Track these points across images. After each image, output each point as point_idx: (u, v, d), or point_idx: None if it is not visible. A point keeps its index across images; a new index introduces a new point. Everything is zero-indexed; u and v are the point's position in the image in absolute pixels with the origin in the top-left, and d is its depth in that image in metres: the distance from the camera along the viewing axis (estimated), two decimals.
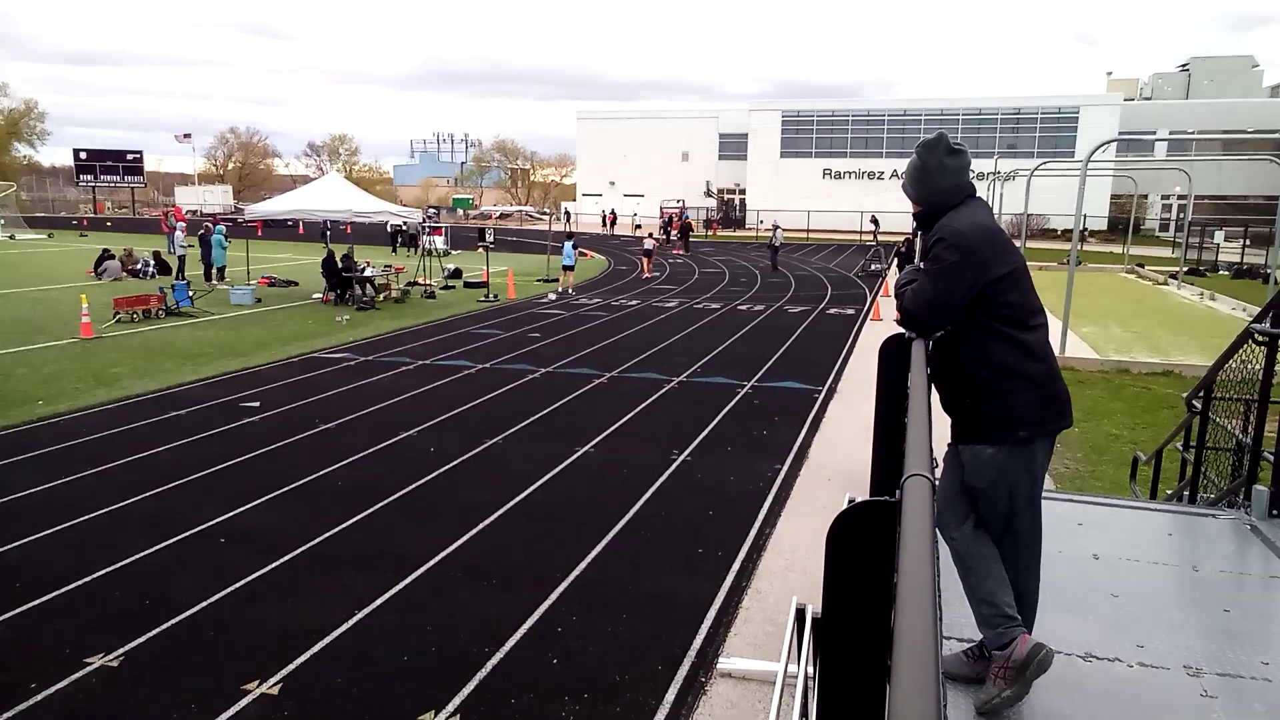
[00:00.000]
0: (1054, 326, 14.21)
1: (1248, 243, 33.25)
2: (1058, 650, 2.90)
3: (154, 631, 5.13)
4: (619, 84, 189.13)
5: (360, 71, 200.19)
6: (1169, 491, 6.21)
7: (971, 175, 3.01)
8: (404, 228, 34.68)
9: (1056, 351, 13.44)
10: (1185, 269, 28.15)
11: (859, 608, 1.77)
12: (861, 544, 1.74)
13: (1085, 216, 29.92)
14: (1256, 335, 4.47)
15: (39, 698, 4.48)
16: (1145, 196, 50.32)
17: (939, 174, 2.92)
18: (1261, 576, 3.71)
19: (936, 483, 2.30)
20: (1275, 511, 4.26)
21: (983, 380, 2.78)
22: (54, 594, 5.60)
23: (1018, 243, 21.38)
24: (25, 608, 5.42)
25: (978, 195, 2.97)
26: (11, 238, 40.99)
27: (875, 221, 46.70)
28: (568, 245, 24.15)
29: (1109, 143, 24.22)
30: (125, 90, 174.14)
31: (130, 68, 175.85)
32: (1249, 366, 4.75)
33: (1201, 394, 5.29)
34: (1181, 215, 39.18)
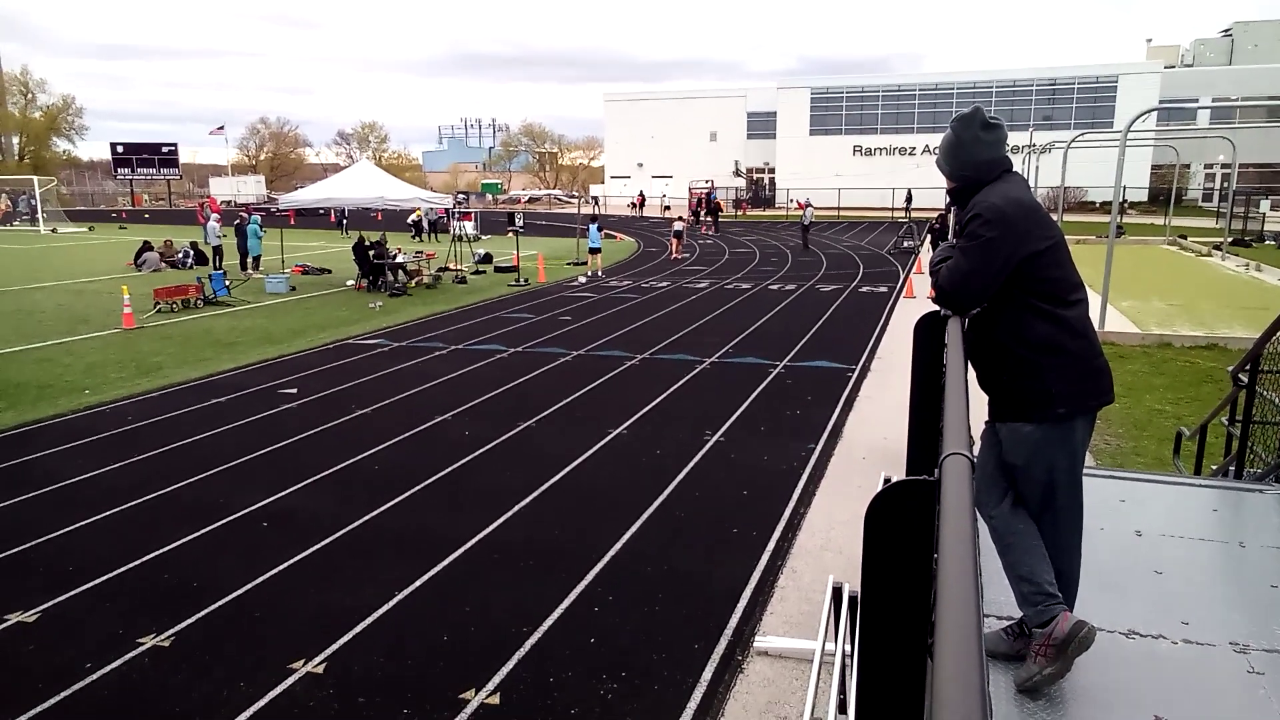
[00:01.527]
0: (1093, 301, 13.96)
1: None
2: (1100, 628, 2.87)
3: (202, 613, 5.26)
4: (644, 64, 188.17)
5: (387, 59, 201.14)
6: (1214, 467, 6.09)
7: (1007, 149, 2.96)
8: (420, 219, 35.01)
9: (1096, 327, 13.22)
10: (1230, 239, 27.44)
11: (898, 586, 1.77)
12: (901, 523, 1.73)
13: (1125, 188, 29.26)
14: None
15: (94, 677, 4.62)
16: (1187, 166, 49.04)
17: (974, 148, 2.86)
18: None
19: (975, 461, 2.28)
20: None
21: (1021, 357, 2.75)
22: (105, 577, 5.76)
23: (1055, 217, 21.03)
24: (78, 590, 5.59)
25: (1014, 170, 2.92)
26: (54, 231, 41.89)
27: (909, 197, 46.06)
28: (593, 228, 24.16)
29: (1149, 112, 23.63)
30: (157, 83, 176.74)
31: (161, 60, 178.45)
32: None
33: (1248, 367, 5.17)
34: (1225, 184, 38.18)
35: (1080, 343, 2.75)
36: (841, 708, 2.96)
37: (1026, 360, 2.74)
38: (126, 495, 7.20)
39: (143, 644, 4.93)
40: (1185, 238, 30.96)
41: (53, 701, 4.42)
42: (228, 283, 19.36)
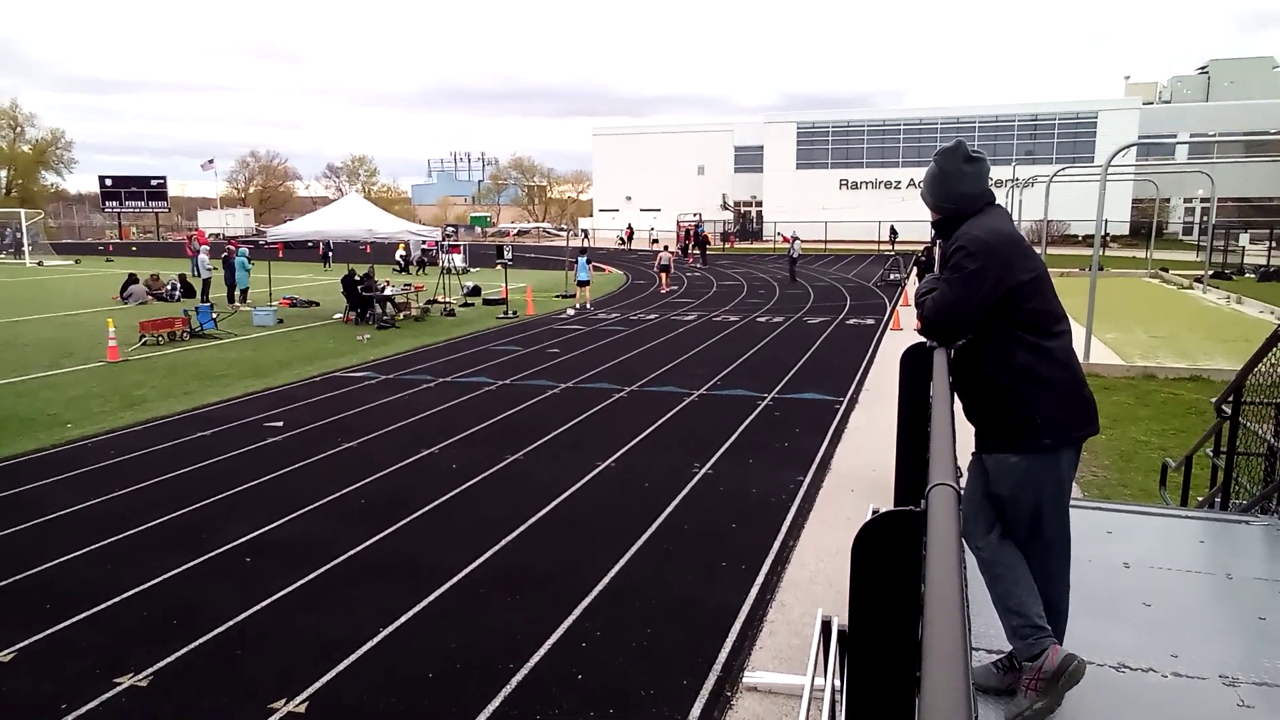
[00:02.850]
0: (1077, 333, 14.11)
1: (1274, 245, 32.83)
2: (1089, 660, 2.86)
3: (183, 650, 5.17)
4: (631, 99, 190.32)
5: (376, 92, 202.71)
6: (1200, 498, 6.11)
7: (990, 182, 3.00)
8: (406, 254, 35.16)
9: (1080, 358, 13.34)
10: (1210, 272, 27.80)
11: (886, 619, 1.76)
12: (887, 555, 1.73)
13: (1106, 222, 29.64)
14: None
15: (69, 718, 4.52)
16: (1167, 200, 49.80)
17: (958, 180, 2.90)
18: None
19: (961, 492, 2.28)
20: None
21: (1006, 387, 2.76)
22: (85, 613, 5.66)
23: (1038, 249, 21.23)
24: (58, 627, 5.48)
25: (997, 202, 2.96)
26: (40, 264, 41.73)
27: (893, 232, 46.56)
28: (581, 260, 24.25)
29: (1129, 147, 24.04)
30: (144, 116, 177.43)
31: (148, 94, 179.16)
32: (1279, 370, 4.68)
33: (1231, 398, 5.22)
34: (1205, 218, 38.76)
35: (1064, 373, 2.77)
36: None
37: (1011, 391, 2.75)
38: (108, 529, 7.10)
39: (119, 684, 4.83)
40: (1167, 270, 31.35)
41: None
42: (214, 315, 19.30)
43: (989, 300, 2.73)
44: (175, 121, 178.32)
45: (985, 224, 2.83)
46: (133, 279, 25.57)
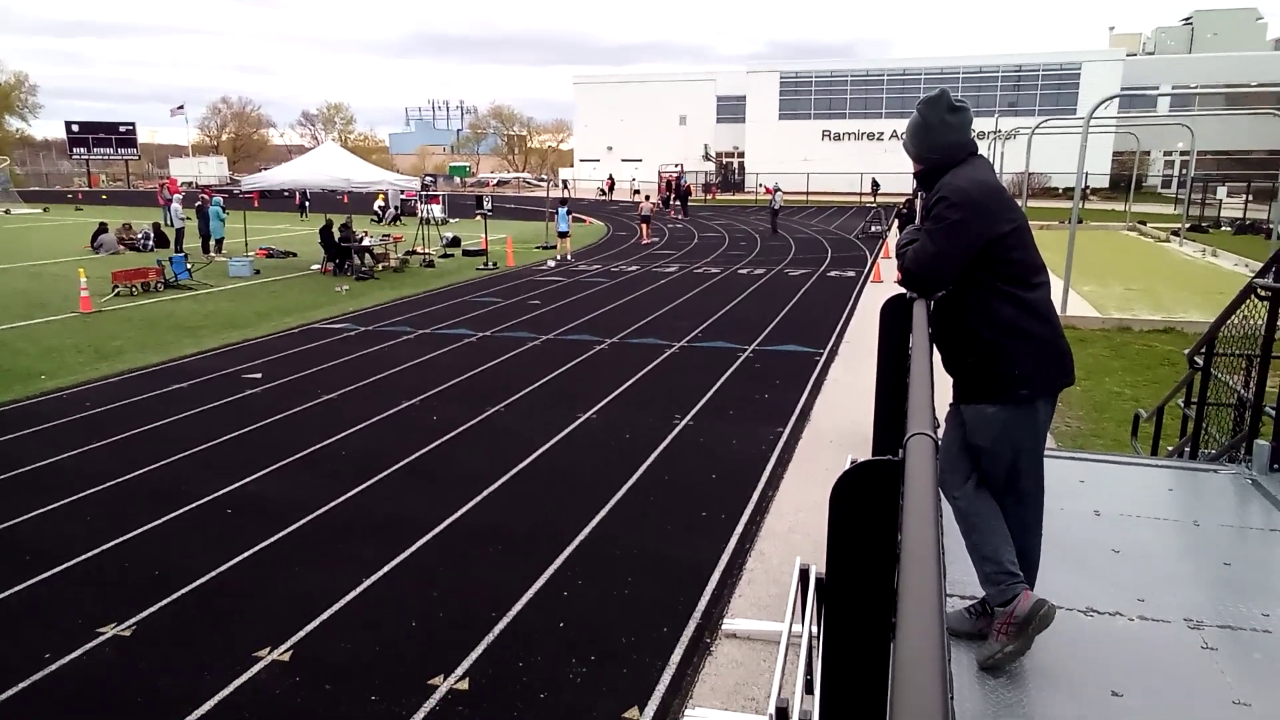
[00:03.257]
0: (1055, 285, 14.16)
1: (1250, 198, 33.06)
2: (1059, 606, 2.93)
3: (165, 601, 5.19)
4: (612, 47, 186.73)
5: (352, 38, 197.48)
6: (1170, 448, 6.23)
7: (973, 134, 2.98)
8: (385, 205, 34.69)
9: (1059, 311, 13.45)
10: (1187, 225, 27.98)
11: (863, 567, 1.78)
12: (865, 503, 1.75)
13: (1087, 174, 29.69)
14: (1259, 290, 4.46)
15: (53, 667, 4.54)
16: (1148, 153, 49.87)
17: (941, 131, 2.88)
18: (1262, 530, 3.74)
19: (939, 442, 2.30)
20: (1276, 466, 4.28)
21: (985, 339, 2.78)
22: (64, 565, 5.65)
23: (1019, 201, 21.21)
24: (37, 579, 5.48)
25: (980, 153, 2.94)
26: (6, 212, 40.77)
27: (875, 185, 46.41)
28: (562, 212, 24.03)
29: (1111, 99, 23.97)
30: (114, 60, 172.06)
31: (117, 38, 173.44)
32: (1251, 322, 4.75)
33: (1203, 350, 5.29)
34: (1184, 171, 38.89)
35: (1043, 325, 2.79)
36: (809, 688, 3.00)
37: (991, 342, 2.77)
38: (86, 482, 7.06)
39: (102, 634, 4.85)
40: (1145, 223, 31.53)
41: (11, 693, 4.34)
42: (189, 266, 19.00)
43: (970, 251, 2.73)
44: (145, 66, 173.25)
45: (967, 174, 2.81)
46: (103, 228, 25.05)
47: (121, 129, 68.19)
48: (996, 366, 2.77)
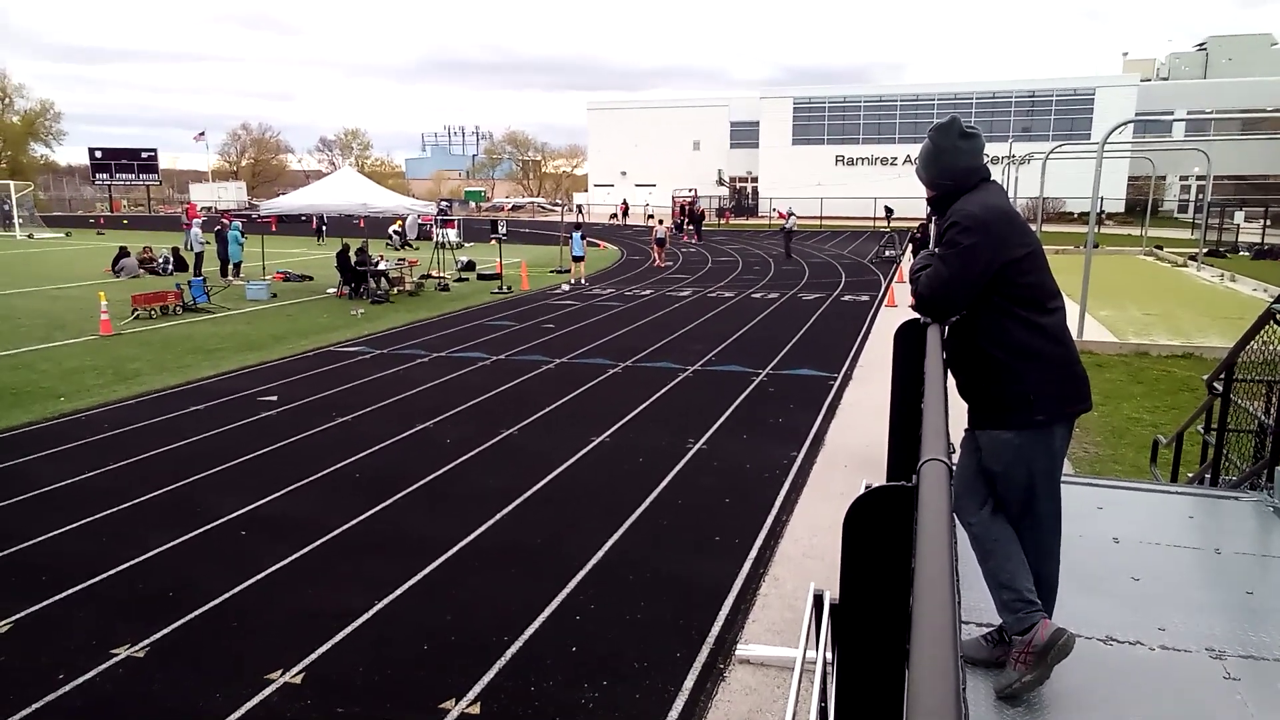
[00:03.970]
0: (1071, 310, 14.13)
1: (1268, 223, 32.81)
2: (1078, 634, 2.89)
3: (178, 622, 5.20)
4: (625, 72, 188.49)
5: (369, 64, 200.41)
6: (1190, 475, 6.16)
7: (986, 159, 2.99)
8: (403, 230, 35.08)
9: (1075, 335, 13.35)
10: (1205, 250, 27.81)
11: (877, 593, 1.77)
12: (879, 529, 1.73)
13: (1102, 199, 29.60)
14: (1278, 316, 4.42)
15: (67, 687, 4.55)
16: (1163, 178, 49.72)
17: (952, 157, 2.90)
18: None
19: (954, 467, 2.29)
20: None
21: (1000, 363, 2.77)
22: (80, 586, 5.68)
23: (1034, 226, 21.14)
24: (52, 599, 5.50)
25: (992, 178, 2.95)
26: (30, 236, 41.40)
27: (889, 211, 46.46)
28: (576, 236, 24.16)
29: (1126, 124, 23.94)
30: (134, 87, 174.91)
31: (138, 64, 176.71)
32: (1271, 347, 4.70)
33: (1223, 376, 5.24)
34: (1200, 196, 38.71)
35: (1059, 350, 2.78)
36: (823, 715, 2.96)
37: (1006, 367, 2.76)
38: (102, 502, 7.11)
39: (116, 654, 4.86)
40: (1161, 248, 31.35)
41: (25, 712, 4.34)
42: (208, 289, 19.20)
43: (984, 276, 2.73)
44: (165, 92, 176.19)
45: (980, 199, 2.82)
46: (124, 252, 25.38)
47: (144, 155, 69.27)
48: (1012, 391, 2.75)
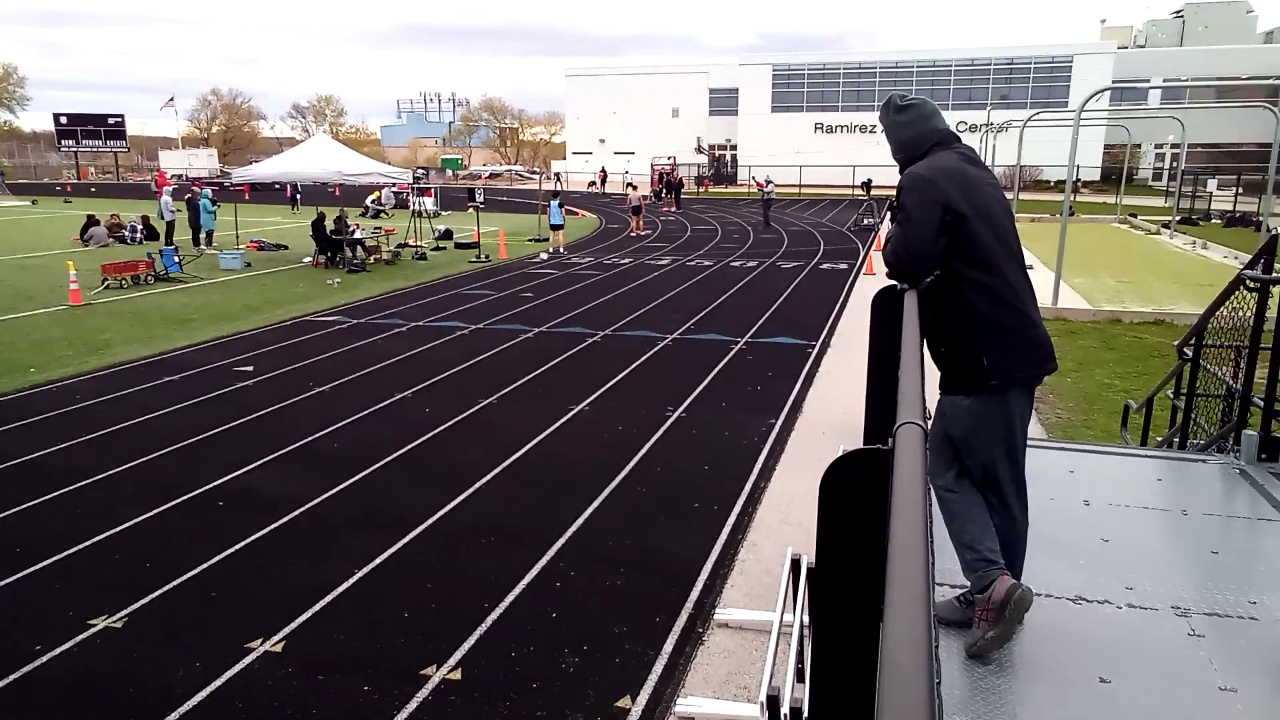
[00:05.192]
0: (1047, 277, 14.29)
1: (1240, 191, 33.14)
2: (1048, 594, 2.95)
3: (156, 593, 5.18)
4: (600, 39, 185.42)
5: (338, 29, 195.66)
6: (1159, 439, 6.27)
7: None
8: (380, 200, 34.74)
9: (1049, 302, 13.52)
10: (1178, 218, 28.09)
11: (852, 555, 1.79)
12: (854, 492, 1.75)
13: (1078, 167, 29.76)
14: (1248, 282, 4.48)
15: (45, 659, 4.53)
16: (1139, 146, 50.05)
17: (896, 130, 3.05)
18: (1249, 519, 3.77)
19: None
20: (1264, 456, 4.31)
21: (955, 329, 2.82)
22: (55, 558, 5.64)
23: (1010, 194, 21.20)
24: (27, 572, 5.46)
25: (951, 144, 2.98)
26: None
27: (868, 184, 46.58)
28: (554, 204, 23.98)
29: (1101, 92, 24.00)
30: (98, 51, 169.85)
31: (102, 28, 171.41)
32: (1240, 313, 4.77)
33: (1193, 342, 5.32)
34: (1174, 164, 39.01)
35: (1014, 316, 2.80)
36: (800, 677, 3.02)
37: (959, 331, 2.81)
38: (76, 474, 7.03)
39: (93, 625, 4.84)
40: (1135, 216, 31.63)
41: (2, 685, 4.33)
42: (179, 258, 18.90)
43: (940, 230, 2.76)
44: (130, 56, 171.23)
45: (926, 162, 2.92)
46: (93, 220, 24.89)
47: (110, 121, 67.72)
48: (965, 356, 2.81)
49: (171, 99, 69.38)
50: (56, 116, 66.82)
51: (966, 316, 2.79)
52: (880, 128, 3.17)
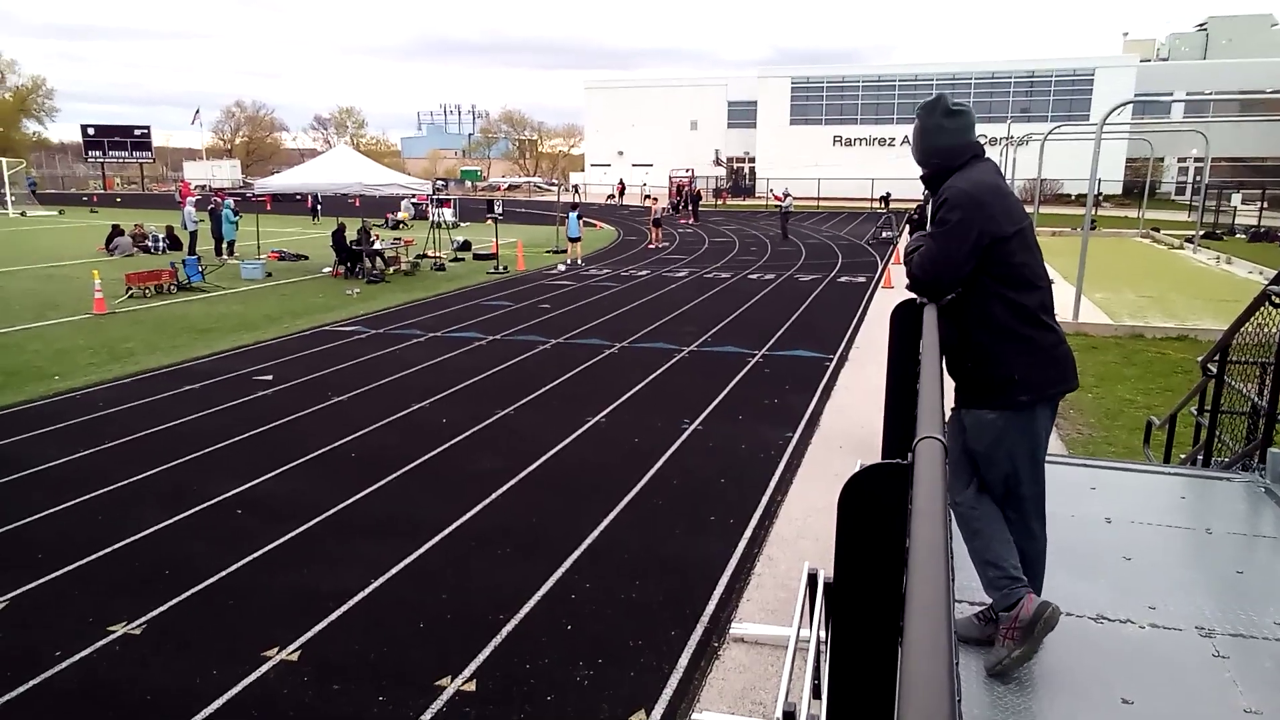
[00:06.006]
0: (1068, 292, 14.17)
1: (1265, 205, 32.78)
2: (1069, 613, 2.91)
3: (174, 600, 5.21)
4: (620, 52, 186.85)
5: (362, 43, 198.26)
6: (1183, 456, 6.18)
7: (985, 141, 2.98)
8: (391, 217, 35.08)
9: (1070, 317, 13.41)
10: (1201, 233, 27.81)
11: (871, 571, 1.77)
12: (873, 507, 1.74)
13: (1100, 181, 29.58)
14: (1274, 298, 4.42)
15: (64, 664, 4.57)
16: (1161, 159, 49.63)
17: (939, 135, 2.89)
18: (1274, 538, 3.71)
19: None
20: None
21: (984, 343, 2.78)
22: (75, 564, 5.69)
23: (1030, 208, 21.11)
24: (47, 578, 5.51)
25: (985, 156, 2.94)
26: (23, 214, 41.13)
27: (886, 197, 46.43)
28: (572, 216, 24.07)
29: (1124, 105, 23.85)
30: (125, 64, 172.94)
31: (129, 41, 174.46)
32: (1265, 329, 4.71)
33: (1217, 358, 5.25)
34: (1198, 178, 38.65)
35: (1043, 331, 2.78)
36: (816, 693, 2.99)
37: (989, 347, 2.77)
38: (98, 481, 7.10)
39: (113, 631, 4.88)
40: (1158, 230, 31.34)
41: (20, 690, 4.36)
42: (202, 268, 19.11)
43: (974, 252, 2.72)
44: (155, 70, 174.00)
45: (969, 176, 2.81)
46: (118, 231, 25.24)
47: (137, 132, 68.80)
48: (994, 371, 2.76)
49: (198, 111, 70.29)
50: (84, 128, 67.95)
51: (998, 333, 2.75)
52: (913, 132, 2.99)
